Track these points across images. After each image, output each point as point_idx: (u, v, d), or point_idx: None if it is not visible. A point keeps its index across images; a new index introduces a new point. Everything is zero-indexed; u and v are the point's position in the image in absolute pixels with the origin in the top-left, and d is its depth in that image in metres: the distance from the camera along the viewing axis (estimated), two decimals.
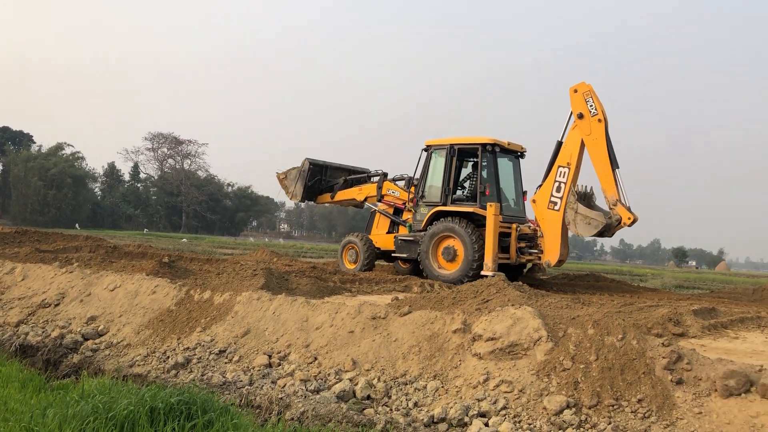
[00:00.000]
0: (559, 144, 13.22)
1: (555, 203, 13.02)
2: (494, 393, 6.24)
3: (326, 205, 20.07)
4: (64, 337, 9.46)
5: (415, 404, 6.43)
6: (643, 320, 7.70)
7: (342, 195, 17.22)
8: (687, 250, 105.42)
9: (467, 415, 5.98)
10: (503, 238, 13.37)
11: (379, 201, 16.11)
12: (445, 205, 13.97)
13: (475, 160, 14.57)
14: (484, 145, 13.93)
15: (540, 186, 13.40)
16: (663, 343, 6.21)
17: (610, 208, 12.53)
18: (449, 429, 5.92)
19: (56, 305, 10.88)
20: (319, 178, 17.58)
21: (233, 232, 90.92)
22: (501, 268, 13.28)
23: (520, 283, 9.96)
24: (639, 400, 5.70)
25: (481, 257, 12.95)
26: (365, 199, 16.59)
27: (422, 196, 14.54)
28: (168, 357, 8.30)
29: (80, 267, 12.16)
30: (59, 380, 7.65)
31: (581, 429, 5.58)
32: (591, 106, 12.70)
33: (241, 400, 6.68)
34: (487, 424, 5.83)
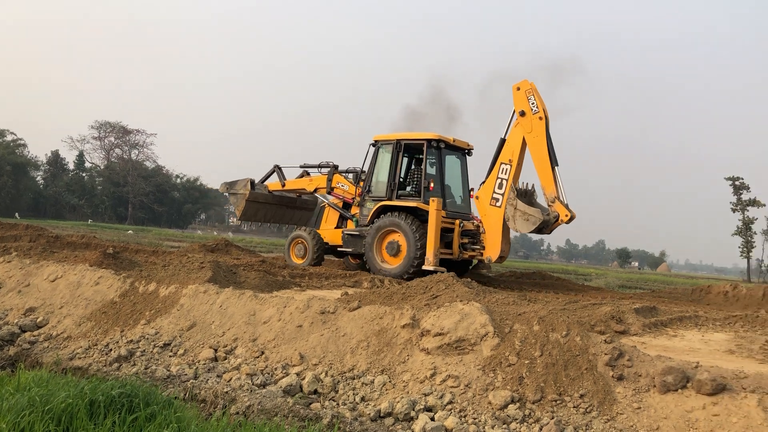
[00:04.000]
0: (502, 141, 13.32)
1: (497, 200, 13.12)
2: (441, 387, 6.29)
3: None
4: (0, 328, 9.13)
5: (363, 399, 6.43)
6: (586, 318, 7.87)
7: (293, 184, 16.93)
8: (630, 251, 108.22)
9: (414, 410, 6.00)
10: (447, 233, 13.43)
11: (329, 193, 15.91)
12: (390, 199, 13.97)
13: (419, 156, 14.58)
14: (429, 141, 13.94)
15: (483, 183, 13.49)
16: (605, 340, 6.36)
17: (549, 205, 12.66)
18: (395, 423, 5.94)
19: None
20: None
21: (181, 224, 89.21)
22: (446, 263, 13.36)
23: (469, 279, 10.06)
24: (581, 396, 5.83)
25: (423, 252, 12.98)
26: (315, 190, 16.38)
27: (369, 191, 14.57)
28: (110, 350, 8.09)
29: (19, 257, 11.76)
30: None
31: (525, 423, 5.66)
32: (532, 103, 12.80)
33: (185, 394, 6.56)
34: (433, 419, 5.86)
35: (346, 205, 15.49)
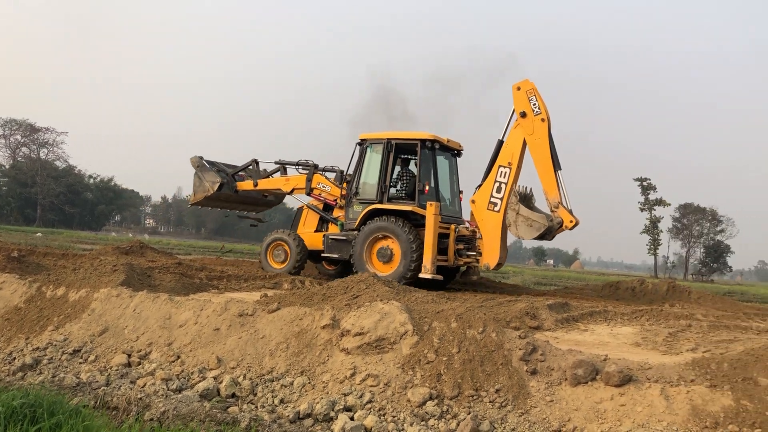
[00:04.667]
0: (500, 143, 12.66)
1: (495, 204, 12.44)
2: (360, 387, 6.30)
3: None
4: None
5: (282, 401, 6.37)
6: (502, 314, 8.10)
7: (267, 183, 15.65)
8: (546, 249, 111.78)
9: (333, 410, 5.99)
10: (441, 239, 12.65)
11: (308, 195, 14.70)
12: (381, 203, 13.08)
13: (410, 156, 13.87)
14: (423, 141, 13.10)
15: (479, 186, 12.76)
16: (520, 336, 6.54)
17: (552, 211, 12.11)
18: (315, 424, 5.91)
19: None
20: (218, 170, 15.87)
21: (94, 226, 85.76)
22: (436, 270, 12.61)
23: (390, 279, 10.15)
24: (497, 390, 5.97)
25: (420, 259, 12.27)
26: (292, 191, 15.15)
27: (356, 193, 13.59)
28: (14, 358, 7.69)
29: None
30: None
31: (443, 420, 5.75)
32: (534, 104, 12.21)
33: (96, 402, 6.31)
34: (352, 418, 5.87)
35: (327, 207, 14.50)
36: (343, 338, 6.96)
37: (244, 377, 6.79)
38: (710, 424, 5.28)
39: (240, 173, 16.09)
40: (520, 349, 6.32)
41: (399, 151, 13.55)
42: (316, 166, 14.78)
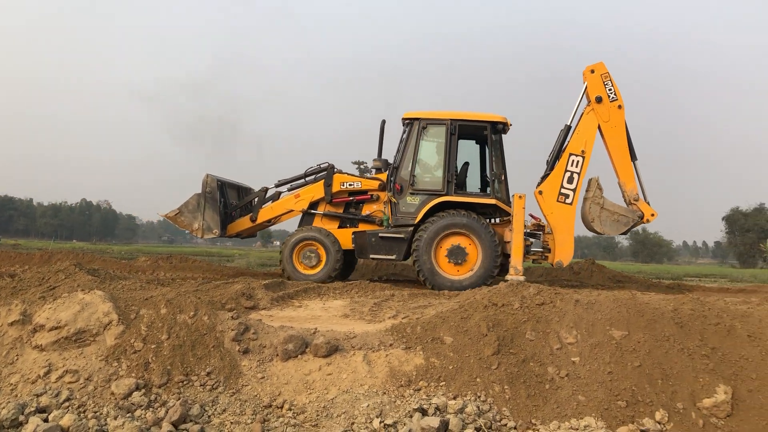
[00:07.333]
0: (568, 128, 11.78)
1: (567, 196, 11.48)
2: (57, 385, 5.76)
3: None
4: None
5: None
6: (218, 297, 8.01)
7: (269, 212, 12.84)
8: (272, 231, 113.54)
9: (23, 414, 5.39)
10: None
11: (329, 202, 12.48)
12: (449, 194, 11.49)
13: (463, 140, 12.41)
14: (494, 124, 11.80)
15: (546, 176, 11.68)
16: (232, 317, 6.55)
17: (630, 204, 11.55)
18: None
19: None
20: (223, 201, 12.75)
21: None
22: None
23: (96, 267, 9.44)
24: (208, 373, 5.90)
25: (504, 259, 11.20)
26: (309, 207, 12.57)
27: (412, 183, 11.75)
28: None
29: None
30: None
31: (150, 409, 5.52)
32: (610, 89, 11.53)
33: None
34: (46, 420, 5.34)
35: (348, 206, 12.51)
36: (36, 334, 6.29)
37: None
38: (404, 382, 5.82)
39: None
40: (232, 329, 6.31)
41: (462, 134, 12.10)
42: (332, 167, 12.67)
